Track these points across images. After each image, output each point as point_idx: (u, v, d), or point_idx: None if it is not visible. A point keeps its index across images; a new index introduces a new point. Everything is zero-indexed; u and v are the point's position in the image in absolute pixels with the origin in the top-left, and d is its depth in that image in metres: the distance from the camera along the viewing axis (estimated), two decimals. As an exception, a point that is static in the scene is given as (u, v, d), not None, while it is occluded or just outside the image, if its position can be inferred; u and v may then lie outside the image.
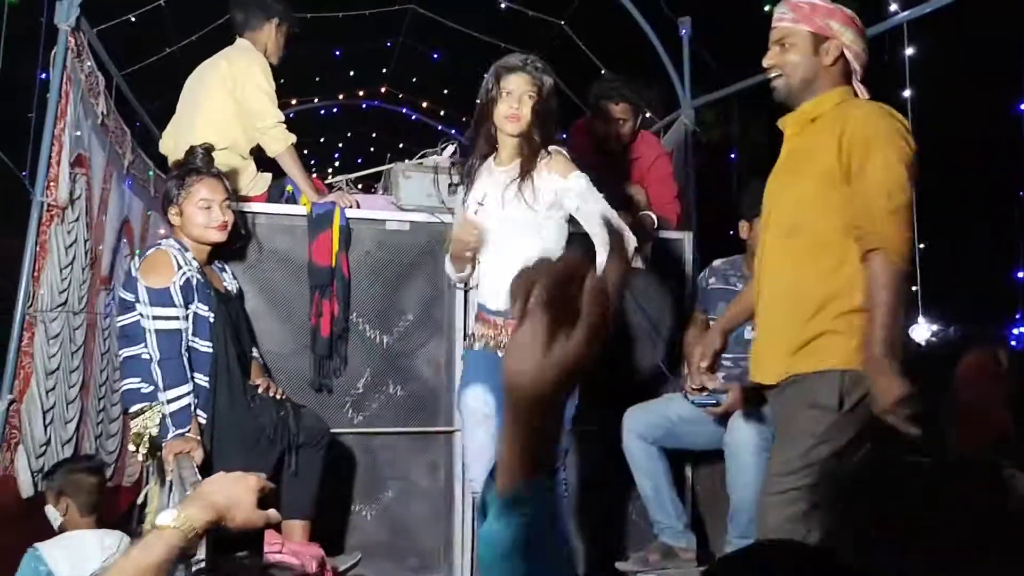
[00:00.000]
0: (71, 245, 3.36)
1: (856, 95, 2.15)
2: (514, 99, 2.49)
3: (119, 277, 3.82)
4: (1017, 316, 4.76)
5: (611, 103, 3.50)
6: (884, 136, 2.01)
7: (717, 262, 3.25)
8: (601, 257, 2.46)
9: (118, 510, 3.78)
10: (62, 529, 2.74)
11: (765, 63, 2.19)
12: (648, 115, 4.12)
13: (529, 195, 2.51)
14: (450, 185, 3.15)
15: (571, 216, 2.59)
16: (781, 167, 2.21)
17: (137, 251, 4.06)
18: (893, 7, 3.34)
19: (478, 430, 2.59)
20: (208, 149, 2.81)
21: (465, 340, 2.72)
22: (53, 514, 2.76)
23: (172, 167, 3.11)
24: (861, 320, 2.01)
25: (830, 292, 2.04)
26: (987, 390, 2.32)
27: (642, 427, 3.02)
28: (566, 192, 2.51)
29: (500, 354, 2.54)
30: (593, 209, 2.49)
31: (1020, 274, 4.72)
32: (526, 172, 2.52)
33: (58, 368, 3.33)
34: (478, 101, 2.60)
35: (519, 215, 2.52)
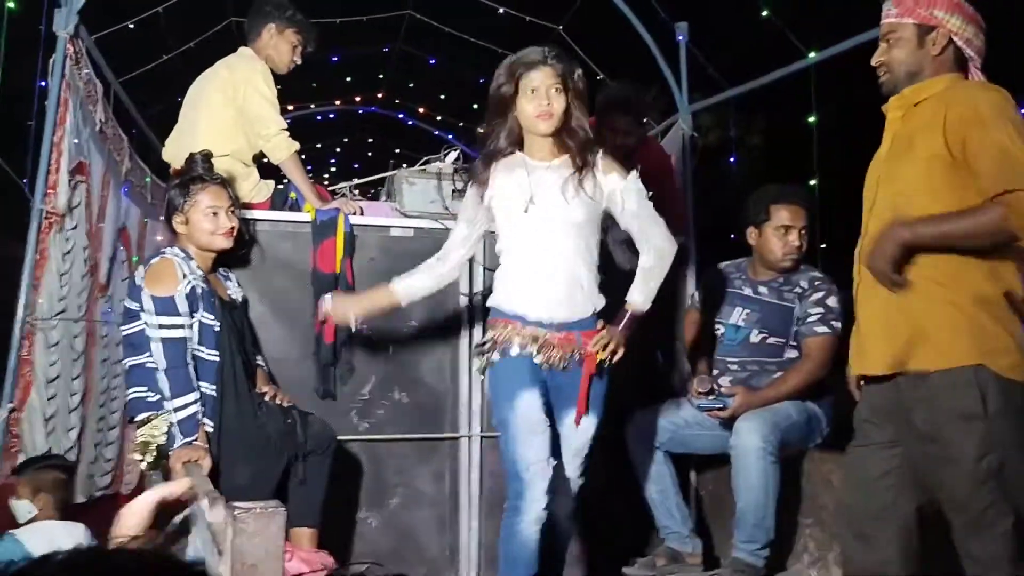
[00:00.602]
0: (68, 252, 3.34)
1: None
2: (541, 96, 2.34)
3: (116, 285, 3.80)
4: None
5: (619, 114, 3.49)
6: (997, 107, 1.95)
7: (722, 265, 3.23)
8: (647, 258, 2.43)
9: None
10: (28, 523, 2.74)
11: (873, 62, 2.14)
12: (646, 120, 4.13)
13: (591, 190, 2.40)
14: (454, 191, 3.15)
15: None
16: (885, 154, 2.15)
17: (135, 258, 4.04)
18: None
19: (535, 439, 2.34)
20: (207, 156, 2.80)
21: (486, 347, 2.47)
22: (27, 507, 2.77)
23: (173, 175, 3.10)
24: (984, 315, 1.95)
25: (937, 278, 1.98)
26: None
27: (647, 432, 3.02)
28: (627, 192, 2.43)
29: (546, 365, 2.39)
30: (648, 212, 2.45)
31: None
32: (585, 167, 2.40)
33: (58, 376, 3.31)
34: (491, 95, 2.43)
35: (583, 213, 2.39)
